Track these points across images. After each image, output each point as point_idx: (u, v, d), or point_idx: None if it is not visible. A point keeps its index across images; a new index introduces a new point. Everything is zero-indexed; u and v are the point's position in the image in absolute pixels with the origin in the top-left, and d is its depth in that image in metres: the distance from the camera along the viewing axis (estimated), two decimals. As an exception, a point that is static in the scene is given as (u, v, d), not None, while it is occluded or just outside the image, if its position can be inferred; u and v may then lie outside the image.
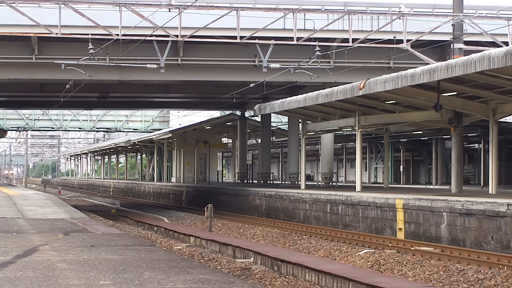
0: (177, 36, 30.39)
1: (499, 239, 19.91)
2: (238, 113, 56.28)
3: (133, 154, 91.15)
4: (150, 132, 77.00)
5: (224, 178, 76.34)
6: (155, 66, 32.48)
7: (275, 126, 63.24)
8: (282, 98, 35.76)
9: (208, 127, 58.70)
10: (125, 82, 39.57)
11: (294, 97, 33.41)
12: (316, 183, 43.41)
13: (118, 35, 29.85)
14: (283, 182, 55.97)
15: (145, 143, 68.43)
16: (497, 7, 36.27)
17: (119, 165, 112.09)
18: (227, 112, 63.21)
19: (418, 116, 29.51)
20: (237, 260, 19.66)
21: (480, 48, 28.60)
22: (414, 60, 32.71)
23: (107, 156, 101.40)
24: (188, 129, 58.80)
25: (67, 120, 79.43)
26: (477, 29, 31.00)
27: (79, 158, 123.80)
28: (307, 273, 16.10)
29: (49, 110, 68.87)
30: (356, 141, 32.39)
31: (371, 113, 31.55)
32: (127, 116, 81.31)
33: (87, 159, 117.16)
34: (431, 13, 34.76)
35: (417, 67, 24.08)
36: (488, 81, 23.22)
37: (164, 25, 29.82)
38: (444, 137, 49.96)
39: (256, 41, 31.83)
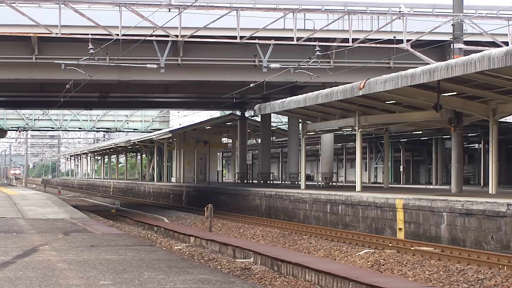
0: (177, 36, 30.39)
1: (499, 239, 19.92)
2: (238, 113, 56.29)
3: (133, 154, 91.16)
4: (150, 132, 77.00)
5: (224, 178, 76.34)
6: (155, 66, 32.48)
7: (275, 126, 63.23)
8: (282, 98, 35.76)
9: (208, 127, 58.70)
10: (125, 82, 39.57)
11: (294, 97, 33.41)
12: (316, 183, 43.41)
13: (118, 35, 29.85)
14: (283, 182, 55.98)
15: (145, 143, 68.43)
16: (497, 7, 36.27)
17: (119, 165, 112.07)
18: (227, 112, 63.21)
19: (418, 116, 29.51)
20: (237, 260, 19.66)
21: (480, 48, 28.59)
22: (414, 60, 32.71)
23: (107, 156, 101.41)
24: (188, 129, 58.80)
25: (67, 120, 79.43)
26: (477, 29, 31.01)
27: (79, 158, 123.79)
28: (307, 273, 16.09)
29: (49, 110, 68.86)
30: (356, 141, 32.40)
31: (371, 113, 31.56)
32: (127, 116, 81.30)
33: (87, 159, 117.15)
34: (431, 13, 34.76)
35: (417, 67, 24.08)
36: (488, 81, 23.22)
37: (164, 25, 29.82)
38: (444, 137, 49.96)
39: (256, 41, 31.83)
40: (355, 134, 32.66)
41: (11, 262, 12.35)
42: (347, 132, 52.62)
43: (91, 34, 30.68)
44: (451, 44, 29.61)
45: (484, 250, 20.08)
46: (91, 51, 30.63)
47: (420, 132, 47.14)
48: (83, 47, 32.09)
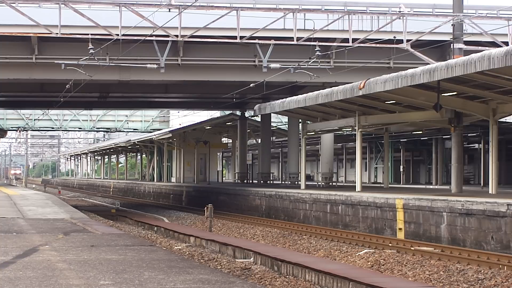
0: (177, 36, 30.39)
1: (499, 239, 19.92)
2: (238, 113, 56.29)
3: (133, 154, 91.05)
4: (150, 132, 76.99)
5: (224, 178, 76.35)
6: (155, 66, 32.48)
7: (275, 126, 63.23)
8: (282, 98, 35.77)
9: (208, 127, 58.70)
10: (125, 82, 39.57)
11: (294, 97, 33.41)
12: (316, 183, 43.41)
13: (118, 35, 29.85)
14: (283, 182, 55.97)
15: (145, 143, 68.43)
16: (497, 7, 36.27)
17: (119, 165, 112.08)
18: (227, 112, 63.21)
19: (418, 116, 29.51)
20: (237, 260, 19.66)
21: (480, 48, 28.59)
22: (414, 60, 32.71)
23: (107, 156, 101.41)
24: (188, 129, 58.80)
25: (67, 120, 79.42)
26: (477, 29, 31.00)
27: (79, 158, 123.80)
28: (307, 273, 16.09)
29: (49, 110, 68.86)
30: (356, 141, 32.40)
31: (371, 113, 31.56)
32: (127, 116, 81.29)
33: (87, 159, 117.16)
34: (431, 13, 34.76)
35: (417, 67, 24.08)
36: (488, 81, 23.22)
37: (164, 25, 29.82)
38: (444, 137, 49.96)
39: (256, 41, 31.83)
40: (355, 134, 32.65)
41: (11, 262, 12.35)
42: (347, 132, 52.64)
43: (91, 34, 30.67)
44: (451, 44, 29.60)
45: (484, 250, 20.08)
46: (91, 51, 30.63)
47: (420, 132, 47.14)
48: (83, 47, 32.09)
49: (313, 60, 32.32)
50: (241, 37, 30.28)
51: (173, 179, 61.19)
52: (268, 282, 16.14)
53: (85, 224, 20.97)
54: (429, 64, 26.40)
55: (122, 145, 77.28)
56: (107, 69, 34.85)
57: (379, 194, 26.73)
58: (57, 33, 29.78)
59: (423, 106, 28.00)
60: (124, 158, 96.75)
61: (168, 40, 31.98)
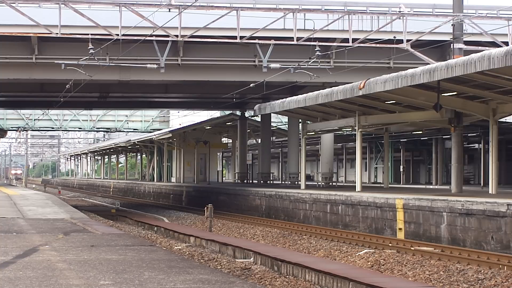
0: (177, 36, 30.39)
1: (499, 239, 19.92)
2: (238, 113, 56.29)
3: (133, 154, 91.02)
4: (150, 132, 77.00)
5: (224, 178, 76.34)
6: (155, 66, 32.48)
7: (275, 126, 63.24)
8: (282, 98, 35.77)
9: (208, 127, 58.71)
10: (125, 82, 39.58)
11: (294, 97, 33.41)
12: (316, 183, 43.41)
13: (118, 35, 29.85)
14: (283, 182, 55.97)
15: (145, 143, 68.44)
16: (497, 7, 36.27)
17: (119, 165, 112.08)
18: (227, 112, 63.22)
19: (418, 116, 29.51)
20: (237, 260, 19.66)
21: (480, 48, 28.59)
22: (414, 60, 32.72)
23: (107, 156, 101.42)
24: (188, 129, 58.80)
25: (67, 120, 79.43)
26: (477, 29, 31.01)
27: (79, 158, 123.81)
28: (307, 273, 16.09)
29: (49, 110, 68.88)
30: (356, 141, 32.40)
31: (371, 113, 31.56)
32: (127, 116, 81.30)
33: (87, 159, 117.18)
34: (431, 13, 34.76)
35: (417, 67, 24.09)
36: (488, 81, 23.22)
37: (164, 25, 29.82)
38: (444, 137, 49.96)
39: (256, 41, 31.83)
40: (355, 134, 32.66)
41: (11, 262, 12.36)
42: (347, 132, 52.64)
43: (91, 34, 30.68)
44: (451, 44, 29.61)
45: (484, 250, 20.08)
46: (91, 51, 30.63)
47: (420, 132, 47.14)
48: (83, 47, 32.09)
49: (313, 60, 32.33)
50: (241, 37, 30.28)
51: (173, 179, 61.19)
52: (268, 282, 16.14)
53: (85, 224, 20.98)
54: (429, 64, 26.40)
55: (122, 145, 77.28)
56: (107, 69, 34.85)
57: (379, 194, 26.73)
58: (57, 33, 29.78)
59: (423, 106, 28.00)
60: (124, 158, 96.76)
61: (168, 40, 31.99)
